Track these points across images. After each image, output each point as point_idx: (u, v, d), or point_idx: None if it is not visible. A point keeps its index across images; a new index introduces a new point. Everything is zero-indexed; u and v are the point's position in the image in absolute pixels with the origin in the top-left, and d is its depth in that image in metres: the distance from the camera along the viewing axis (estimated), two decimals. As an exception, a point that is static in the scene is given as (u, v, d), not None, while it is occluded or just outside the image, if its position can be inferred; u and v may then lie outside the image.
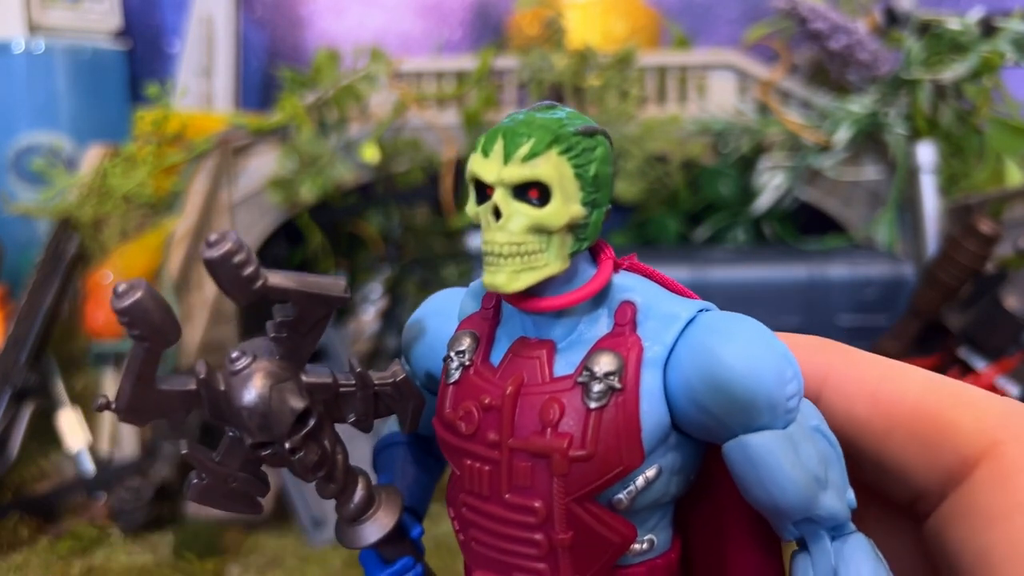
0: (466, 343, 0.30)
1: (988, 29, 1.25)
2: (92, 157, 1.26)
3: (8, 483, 1.11)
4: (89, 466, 1.13)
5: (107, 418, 1.16)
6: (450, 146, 1.32)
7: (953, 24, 1.25)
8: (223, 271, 0.26)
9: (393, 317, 1.45)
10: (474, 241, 1.42)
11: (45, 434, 1.15)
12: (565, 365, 0.28)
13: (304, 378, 0.29)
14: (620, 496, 0.28)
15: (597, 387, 0.27)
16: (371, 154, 1.26)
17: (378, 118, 1.30)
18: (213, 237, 0.26)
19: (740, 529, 0.31)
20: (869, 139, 1.30)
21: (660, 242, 1.41)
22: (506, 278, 0.27)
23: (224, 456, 0.29)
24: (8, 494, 1.10)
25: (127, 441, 1.15)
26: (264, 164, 1.30)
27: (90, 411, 1.17)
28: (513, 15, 1.44)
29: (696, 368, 0.27)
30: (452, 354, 0.30)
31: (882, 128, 1.27)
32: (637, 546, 0.29)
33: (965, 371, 1.09)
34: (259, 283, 0.26)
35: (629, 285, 0.29)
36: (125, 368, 0.27)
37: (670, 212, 1.39)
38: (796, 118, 1.30)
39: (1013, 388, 1.05)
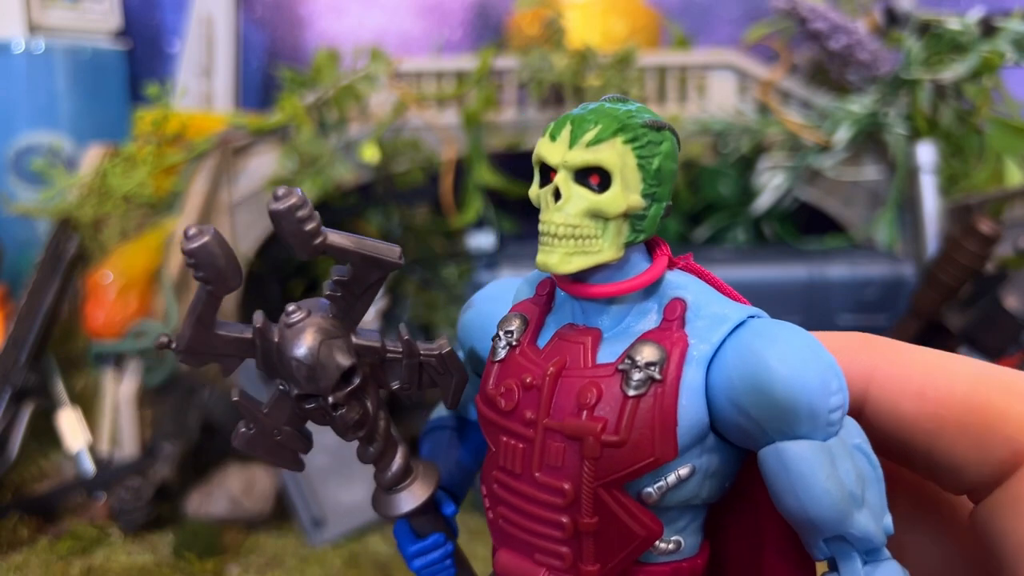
0: (515, 324, 0.31)
1: (988, 29, 1.25)
2: (92, 157, 1.26)
3: (8, 483, 1.11)
4: (89, 466, 1.13)
5: (107, 418, 1.17)
6: (450, 146, 1.32)
7: (953, 24, 1.25)
8: (287, 224, 0.27)
9: (393, 317, 1.45)
10: (474, 241, 1.42)
11: (45, 434, 1.15)
12: (608, 354, 0.29)
13: (354, 339, 0.30)
14: (650, 489, 0.28)
15: (637, 376, 0.27)
16: (371, 154, 1.26)
17: (378, 118, 1.30)
18: (281, 191, 0.27)
19: (777, 546, 0.30)
20: (869, 139, 1.30)
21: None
22: (559, 259, 0.28)
23: (271, 408, 0.31)
24: (8, 494, 1.10)
25: (127, 441, 1.15)
26: (264, 164, 1.30)
27: (90, 411, 1.17)
28: (513, 15, 1.44)
29: (740, 369, 0.27)
30: (501, 333, 0.31)
31: (882, 128, 1.27)
32: (663, 545, 0.29)
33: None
34: (319, 239, 0.28)
35: (682, 283, 0.30)
36: (188, 310, 0.29)
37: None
38: (796, 118, 1.29)
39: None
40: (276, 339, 0.29)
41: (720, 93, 1.33)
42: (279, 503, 1.14)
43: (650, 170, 0.28)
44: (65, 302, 1.19)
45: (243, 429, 0.31)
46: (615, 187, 0.27)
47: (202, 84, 1.46)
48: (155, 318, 1.19)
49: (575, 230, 0.28)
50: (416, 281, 1.47)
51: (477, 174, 1.34)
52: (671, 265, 0.30)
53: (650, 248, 0.30)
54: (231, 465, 1.16)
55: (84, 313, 1.17)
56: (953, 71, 1.24)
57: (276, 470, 1.14)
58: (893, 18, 1.33)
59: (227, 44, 1.49)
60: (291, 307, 0.29)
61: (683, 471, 0.28)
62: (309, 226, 0.27)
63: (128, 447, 1.15)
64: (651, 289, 0.29)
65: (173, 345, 0.29)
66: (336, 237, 0.28)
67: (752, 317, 0.29)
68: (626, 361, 0.28)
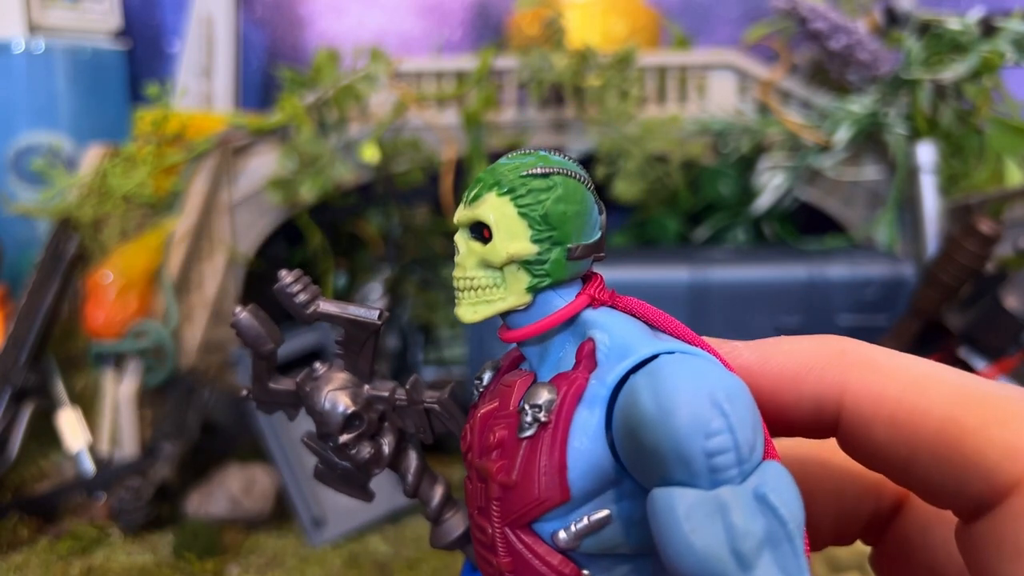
0: (487, 373, 0.33)
1: (988, 29, 1.25)
2: (92, 157, 1.26)
3: (8, 483, 1.11)
4: (89, 466, 1.13)
5: (107, 418, 1.17)
6: (450, 146, 1.32)
7: (953, 24, 1.25)
8: (283, 298, 0.33)
9: (393, 317, 1.45)
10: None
11: (45, 434, 1.15)
12: (534, 394, 0.29)
13: (367, 388, 0.35)
14: (562, 533, 0.27)
15: (526, 418, 0.28)
16: (371, 154, 1.26)
17: (378, 118, 1.30)
18: (282, 273, 0.34)
19: None
20: (869, 139, 1.30)
21: (660, 242, 1.41)
22: (464, 310, 0.30)
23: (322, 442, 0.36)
24: (8, 494, 1.10)
25: (127, 441, 1.15)
26: (264, 164, 1.30)
27: (90, 411, 1.17)
28: (513, 15, 1.44)
29: (619, 408, 0.26)
30: (475, 380, 0.33)
31: (882, 128, 1.27)
32: None
33: (965, 371, 1.09)
34: (311, 309, 0.34)
35: (602, 322, 0.29)
36: (251, 368, 0.36)
37: (670, 212, 1.39)
38: (796, 118, 1.30)
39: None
40: (308, 390, 0.35)
41: (720, 93, 1.33)
42: (279, 503, 1.14)
43: (535, 217, 0.28)
44: (65, 302, 1.19)
45: (318, 465, 0.37)
46: (496, 238, 0.29)
47: (202, 84, 1.46)
48: (155, 318, 1.19)
49: (472, 282, 0.29)
50: (416, 281, 1.47)
51: (477, 174, 1.34)
52: (595, 303, 0.29)
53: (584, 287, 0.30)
54: (231, 465, 1.16)
55: (84, 313, 1.17)
56: (953, 71, 1.24)
57: (275, 470, 1.14)
58: (893, 18, 1.33)
59: (227, 44, 1.49)
60: (317, 364, 0.36)
61: (597, 515, 0.27)
62: (300, 299, 0.33)
63: (128, 447, 1.15)
64: (572, 330, 0.30)
65: (248, 396, 0.37)
66: (326, 306, 0.34)
67: (666, 352, 0.27)
68: (520, 404, 0.28)
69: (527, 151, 0.31)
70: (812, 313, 1.18)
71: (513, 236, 0.28)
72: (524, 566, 0.28)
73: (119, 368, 1.18)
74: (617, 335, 0.28)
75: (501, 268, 0.29)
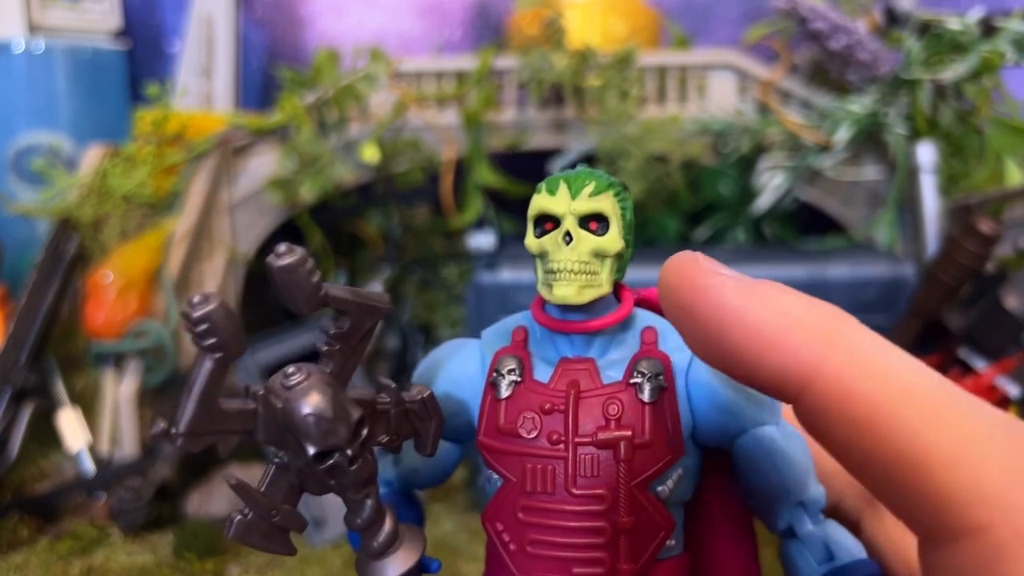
0: (514, 363, 0.34)
1: (988, 29, 1.25)
2: (92, 157, 1.26)
3: (8, 483, 1.11)
4: (89, 466, 1.13)
5: (107, 418, 1.17)
6: (450, 146, 1.32)
7: (953, 24, 1.25)
8: (296, 277, 0.27)
9: (393, 317, 1.45)
10: (474, 241, 1.42)
11: (45, 434, 1.15)
12: (608, 376, 0.33)
13: (349, 393, 0.30)
14: (661, 487, 0.32)
15: (649, 385, 0.32)
16: (371, 154, 1.26)
17: (378, 118, 1.30)
18: (282, 248, 0.28)
19: (725, 539, 0.36)
20: (869, 139, 1.30)
21: (660, 242, 1.41)
22: (575, 291, 0.32)
23: (268, 487, 0.30)
24: (8, 494, 1.10)
25: (127, 441, 1.15)
26: (264, 164, 1.30)
27: (90, 411, 1.17)
28: (513, 15, 1.44)
29: (714, 377, 0.33)
30: (504, 372, 0.34)
31: (882, 128, 1.27)
32: (670, 541, 0.33)
33: (965, 371, 1.09)
34: (322, 292, 0.28)
35: (646, 315, 0.35)
36: (188, 388, 0.27)
37: (670, 212, 1.39)
38: (796, 118, 1.30)
39: (1013, 388, 1.05)
40: (280, 404, 0.28)
41: (720, 93, 1.33)
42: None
43: (627, 220, 0.34)
44: (65, 302, 1.19)
45: (238, 517, 0.29)
46: (613, 230, 0.33)
47: (202, 84, 1.46)
48: (155, 318, 1.19)
49: (585, 266, 0.32)
50: (416, 281, 1.47)
51: (477, 174, 1.34)
52: (637, 301, 0.35)
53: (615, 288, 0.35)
54: (231, 465, 1.16)
55: (84, 313, 1.17)
56: (953, 71, 1.24)
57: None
58: (893, 18, 1.33)
59: (227, 44, 1.49)
60: (290, 369, 0.29)
61: (680, 471, 0.33)
62: (316, 278, 0.28)
63: (128, 447, 1.15)
64: (627, 321, 0.34)
65: (172, 430, 0.27)
66: (335, 290, 0.29)
67: None
68: (636, 375, 0.33)
69: (583, 167, 0.35)
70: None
71: (619, 233, 0.33)
72: (644, 522, 0.32)
73: (119, 368, 1.18)
74: (662, 324, 0.34)
75: (604, 259, 0.33)
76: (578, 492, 0.32)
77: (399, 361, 1.42)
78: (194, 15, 1.48)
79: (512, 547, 0.33)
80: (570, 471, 0.32)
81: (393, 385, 0.32)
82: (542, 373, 0.34)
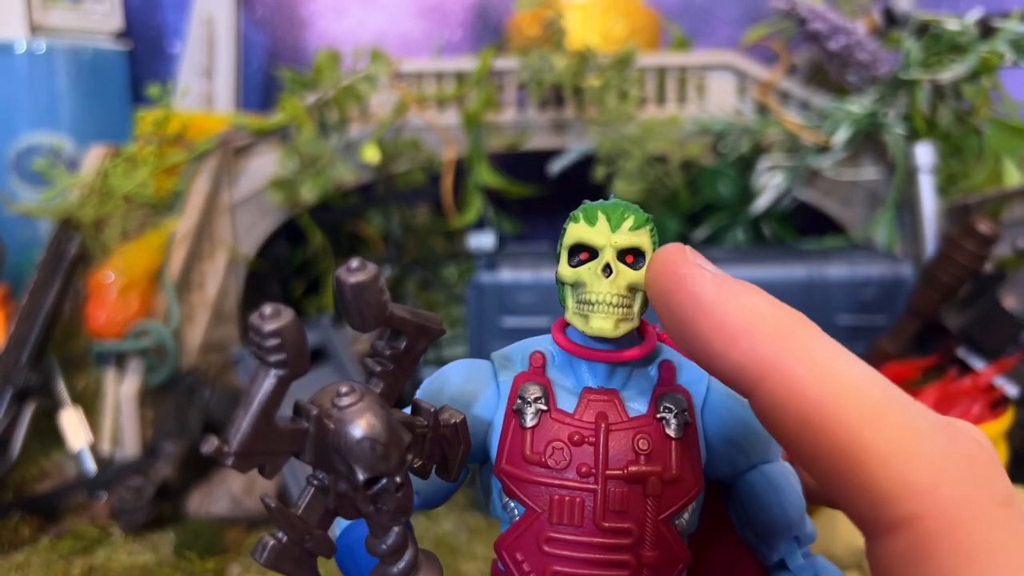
0: (538, 391, 0.34)
1: (987, 30, 1.25)
2: (93, 157, 1.26)
3: (9, 482, 1.11)
4: (91, 465, 1.13)
5: (108, 418, 1.17)
6: (450, 146, 1.32)
7: (952, 25, 1.25)
8: (369, 294, 0.26)
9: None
10: (474, 241, 1.43)
11: (47, 434, 1.16)
12: (633, 409, 0.33)
13: (396, 416, 0.29)
14: (680, 520, 0.33)
15: (676, 421, 0.33)
16: (371, 154, 1.26)
17: (378, 119, 1.30)
18: (355, 263, 0.26)
19: (722, 566, 0.37)
20: (868, 139, 1.30)
21: (660, 242, 1.41)
22: (612, 324, 0.32)
23: (305, 510, 0.28)
24: (9, 493, 1.11)
25: (128, 441, 1.16)
26: (265, 164, 1.30)
27: (91, 410, 1.18)
28: (513, 16, 1.44)
29: (727, 412, 0.33)
30: (530, 399, 0.33)
31: (881, 128, 1.27)
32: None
33: (964, 371, 1.10)
34: (388, 312, 0.27)
35: (664, 348, 0.35)
36: (246, 404, 0.25)
37: (669, 212, 1.40)
38: (795, 119, 1.30)
39: (1012, 388, 1.06)
40: (332, 425, 0.27)
41: (719, 94, 1.33)
42: (280, 503, 1.14)
43: None
44: (67, 302, 1.19)
45: (271, 543, 0.27)
46: (647, 265, 0.33)
47: (203, 85, 1.47)
48: (156, 318, 1.19)
49: (622, 299, 0.33)
50: (416, 281, 1.47)
51: (477, 174, 1.35)
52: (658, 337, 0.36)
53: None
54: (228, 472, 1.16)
55: (86, 313, 1.18)
56: (952, 72, 1.25)
57: (269, 481, 1.14)
58: (892, 19, 1.34)
59: (228, 45, 1.50)
60: (343, 388, 0.27)
61: (694, 504, 0.33)
62: (386, 296, 0.27)
63: (129, 446, 1.15)
64: (646, 357, 0.34)
65: (225, 448, 0.25)
66: (397, 309, 0.28)
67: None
68: (663, 410, 0.33)
69: (613, 200, 0.35)
70: (811, 313, 1.16)
71: None
72: (665, 555, 0.32)
73: (120, 368, 1.18)
74: (678, 358, 0.35)
75: (637, 293, 0.33)
76: (607, 526, 0.32)
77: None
78: (195, 16, 1.49)
79: None
80: (599, 505, 0.32)
81: (433, 408, 0.30)
82: (566, 402, 0.33)
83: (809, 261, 1.22)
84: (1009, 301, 1.07)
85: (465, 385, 0.35)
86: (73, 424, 1.14)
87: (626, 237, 0.33)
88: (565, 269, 0.34)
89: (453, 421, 0.31)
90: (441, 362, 1.61)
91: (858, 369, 0.25)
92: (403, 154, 1.31)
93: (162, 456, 1.13)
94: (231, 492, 1.12)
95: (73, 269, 1.18)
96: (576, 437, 0.32)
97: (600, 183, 1.27)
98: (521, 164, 1.40)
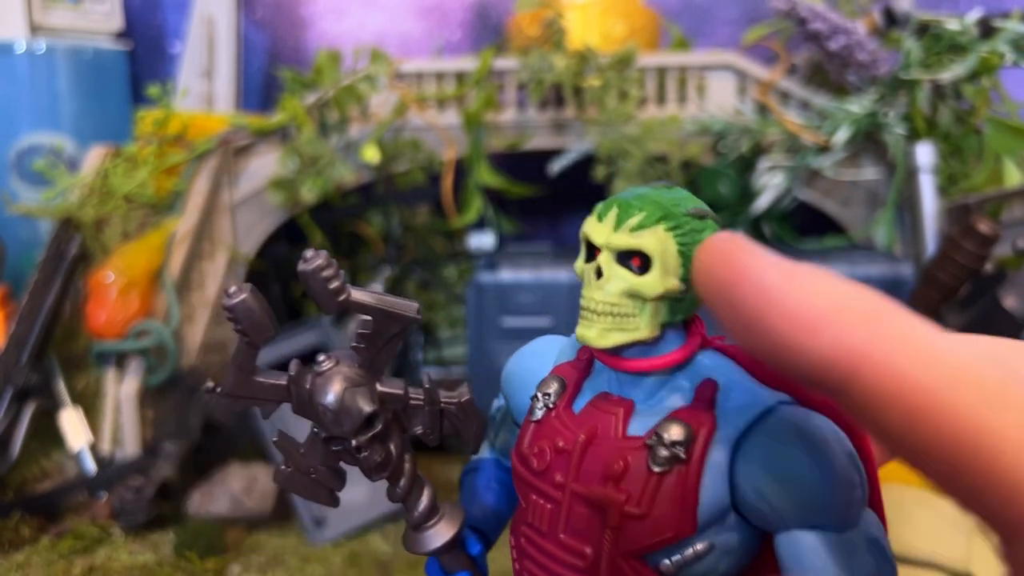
0: (553, 387, 0.32)
1: (987, 30, 1.25)
2: (94, 157, 1.26)
3: (10, 482, 1.11)
4: (91, 465, 1.13)
5: (108, 417, 1.17)
6: (450, 146, 1.32)
7: (952, 25, 1.25)
8: (313, 282, 0.30)
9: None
10: (474, 241, 1.43)
11: (47, 433, 1.16)
12: (639, 427, 0.29)
13: (379, 387, 0.32)
14: (667, 562, 0.29)
15: (663, 453, 0.28)
16: (371, 154, 1.26)
17: (379, 119, 1.30)
18: (309, 253, 0.30)
19: None
20: (868, 139, 1.30)
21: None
22: (596, 334, 0.29)
23: (307, 449, 0.33)
24: (10, 493, 1.11)
25: (128, 440, 1.16)
26: (265, 165, 1.30)
27: (91, 410, 1.18)
28: (513, 16, 1.44)
29: (764, 457, 0.28)
30: (539, 394, 0.32)
31: (881, 128, 1.27)
32: None
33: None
34: (343, 296, 0.30)
35: (715, 364, 0.30)
36: (232, 358, 0.32)
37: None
38: (795, 119, 1.30)
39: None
40: (308, 386, 0.31)
41: (719, 94, 1.33)
42: (280, 502, 1.14)
43: (690, 256, 0.28)
44: (67, 302, 1.19)
45: (282, 467, 0.33)
46: (654, 271, 0.29)
47: (203, 85, 1.47)
48: (156, 318, 1.19)
49: (613, 308, 0.29)
50: (416, 281, 1.47)
51: (477, 174, 1.35)
52: (704, 344, 0.31)
53: (687, 325, 0.31)
54: (232, 464, 1.16)
55: (86, 313, 1.18)
56: (952, 72, 1.25)
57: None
58: (892, 19, 1.34)
59: (228, 45, 1.50)
60: (321, 356, 0.32)
61: (700, 546, 0.29)
62: (333, 284, 0.30)
63: (130, 446, 1.15)
64: (684, 367, 0.30)
65: (218, 390, 0.32)
66: (358, 294, 0.31)
67: (782, 403, 0.29)
68: (653, 437, 0.29)
69: (668, 184, 0.31)
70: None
71: (669, 272, 0.29)
72: None
73: (121, 368, 1.18)
74: (735, 381, 0.29)
75: (645, 301, 0.29)
76: (565, 542, 0.30)
77: (399, 361, 1.42)
78: (195, 16, 1.49)
79: (516, 566, 0.33)
80: (562, 519, 0.30)
81: (427, 385, 0.33)
82: (582, 403, 0.31)
83: (809, 261, 1.22)
84: (1009, 301, 1.07)
85: (528, 362, 0.35)
86: (73, 424, 1.14)
87: (624, 238, 0.29)
88: (578, 264, 0.31)
89: (457, 400, 0.34)
90: (441, 362, 1.60)
91: (965, 348, 0.22)
92: (403, 154, 1.31)
93: (162, 456, 1.13)
94: (231, 492, 1.12)
95: (73, 269, 1.18)
96: (560, 444, 0.30)
97: (600, 183, 1.27)
98: (521, 164, 1.40)
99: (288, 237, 1.44)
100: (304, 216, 1.36)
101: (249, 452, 1.20)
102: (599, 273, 0.30)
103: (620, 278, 0.29)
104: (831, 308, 0.23)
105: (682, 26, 1.53)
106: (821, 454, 0.27)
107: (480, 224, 1.43)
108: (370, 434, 0.31)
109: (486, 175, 1.34)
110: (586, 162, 1.30)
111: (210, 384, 0.32)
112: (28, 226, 1.30)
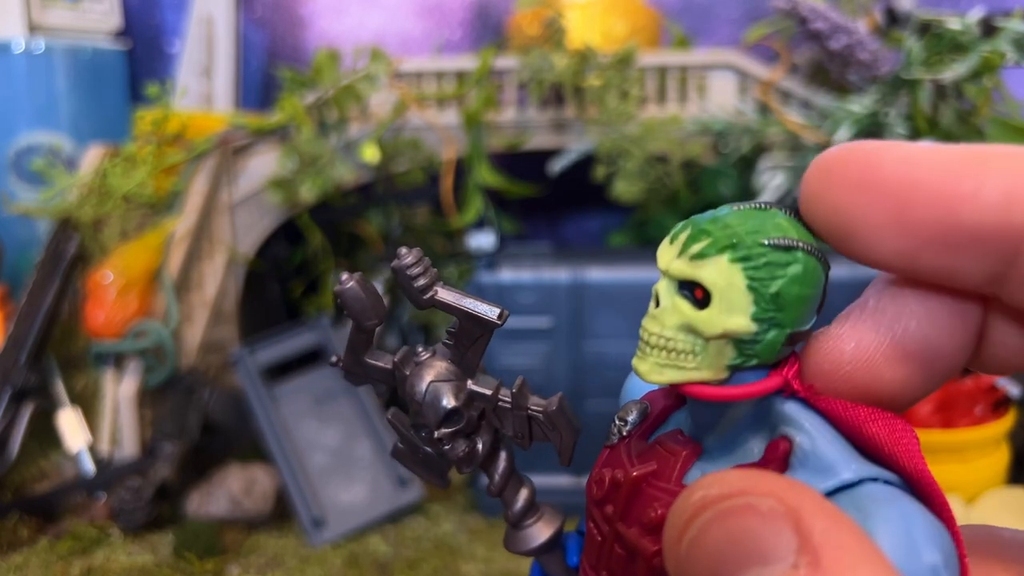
0: (632, 415, 0.30)
1: (988, 29, 1.25)
2: (92, 157, 1.26)
3: (8, 483, 1.11)
4: (89, 466, 1.13)
5: (107, 418, 1.17)
6: (450, 146, 1.32)
7: (953, 24, 1.25)
8: (402, 279, 0.31)
9: (393, 317, 1.45)
10: (474, 241, 1.42)
11: (45, 434, 1.15)
12: (697, 475, 0.27)
13: (470, 383, 0.33)
14: None
15: None
16: (371, 154, 1.26)
17: (378, 118, 1.30)
18: (403, 251, 0.31)
19: None
20: (870, 139, 1.30)
21: (660, 242, 1.41)
22: (649, 368, 0.26)
23: (413, 431, 0.35)
24: (8, 494, 1.10)
25: (127, 441, 1.15)
26: (264, 164, 1.30)
27: (90, 411, 1.18)
28: (513, 15, 1.44)
29: None
30: (616, 419, 0.30)
31: (882, 128, 1.27)
32: None
33: (965, 370, 1.09)
34: (428, 295, 0.31)
35: (797, 418, 0.26)
36: (347, 338, 0.34)
37: (670, 212, 1.39)
38: (796, 118, 1.30)
39: (1014, 388, 1.05)
40: (407, 372, 0.33)
41: (720, 93, 1.33)
42: (279, 503, 1.14)
43: (765, 294, 0.25)
44: (65, 302, 1.19)
45: (398, 443, 0.35)
46: (713, 307, 0.25)
47: (202, 84, 1.46)
48: (155, 318, 1.19)
49: (668, 342, 0.26)
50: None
51: (477, 174, 1.34)
52: (788, 390, 0.26)
53: (774, 368, 0.27)
54: (231, 465, 1.16)
55: (84, 313, 1.18)
56: (953, 71, 1.24)
57: (276, 470, 1.14)
58: (893, 18, 1.33)
59: (227, 44, 1.50)
60: (420, 347, 0.33)
61: None
62: (419, 283, 0.31)
63: (128, 447, 1.15)
64: (764, 416, 0.27)
65: (340, 364, 0.34)
66: (444, 294, 0.32)
67: (870, 480, 0.24)
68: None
69: (761, 205, 0.27)
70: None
71: (734, 310, 0.25)
72: None
73: (119, 368, 1.18)
74: (818, 443, 0.25)
75: (706, 340, 0.25)
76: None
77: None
78: (194, 15, 1.48)
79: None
80: (604, 554, 0.28)
81: (515, 388, 0.33)
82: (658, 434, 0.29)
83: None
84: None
85: (635, 379, 0.32)
86: (72, 425, 1.14)
87: (682, 266, 0.26)
88: (655, 286, 0.29)
89: (544, 408, 0.33)
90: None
91: None
92: (403, 154, 1.31)
93: (161, 457, 1.13)
94: (230, 493, 1.12)
95: (72, 269, 1.18)
96: (619, 476, 0.28)
97: (600, 183, 1.27)
98: (521, 164, 1.39)
99: (287, 237, 1.44)
100: (303, 216, 1.36)
101: (248, 453, 1.19)
102: (657, 302, 0.26)
103: (677, 310, 0.26)
104: (983, 170, 0.21)
105: (683, 25, 1.52)
106: (904, 552, 0.22)
107: (480, 224, 1.42)
108: (452, 429, 0.32)
109: (486, 175, 1.34)
110: (586, 162, 1.30)
111: (334, 358, 0.34)
112: (26, 226, 1.30)
